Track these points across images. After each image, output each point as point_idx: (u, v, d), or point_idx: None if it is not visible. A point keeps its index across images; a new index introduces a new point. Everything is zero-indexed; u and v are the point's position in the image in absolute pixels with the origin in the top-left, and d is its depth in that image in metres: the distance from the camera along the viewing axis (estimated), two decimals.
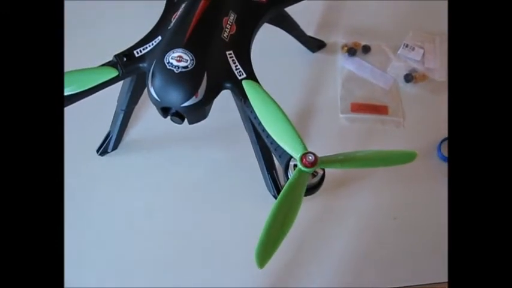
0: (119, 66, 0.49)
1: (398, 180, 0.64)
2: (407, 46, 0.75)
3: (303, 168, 0.40)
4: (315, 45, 0.73)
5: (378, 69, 0.73)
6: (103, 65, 0.49)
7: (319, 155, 0.41)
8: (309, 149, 0.41)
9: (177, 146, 0.66)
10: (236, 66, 0.49)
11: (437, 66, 0.74)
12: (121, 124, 0.61)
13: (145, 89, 0.49)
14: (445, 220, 0.60)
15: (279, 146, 0.43)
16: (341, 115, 0.69)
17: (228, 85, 0.48)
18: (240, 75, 0.49)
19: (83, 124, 0.63)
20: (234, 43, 0.50)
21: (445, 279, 0.59)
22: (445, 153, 0.66)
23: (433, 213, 0.63)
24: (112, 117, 0.62)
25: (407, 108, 0.70)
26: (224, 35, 0.50)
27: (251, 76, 0.49)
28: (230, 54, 0.49)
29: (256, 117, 0.45)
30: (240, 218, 0.62)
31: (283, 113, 0.43)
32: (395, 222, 0.62)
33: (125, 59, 0.49)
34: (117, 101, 0.59)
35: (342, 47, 0.75)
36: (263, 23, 0.55)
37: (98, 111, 0.61)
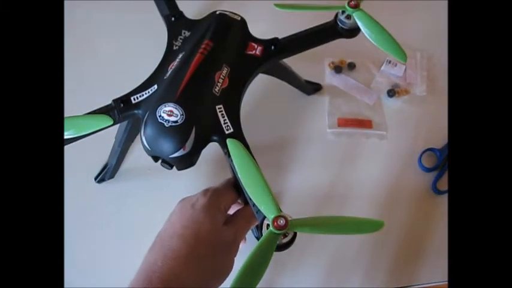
0: (116, 110, 0.52)
1: (382, 190, 0.68)
2: (390, 62, 0.78)
3: (274, 230, 0.43)
4: (311, 88, 0.75)
5: (362, 85, 0.77)
6: (101, 108, 0.52)
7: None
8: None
9: (168, 173, 0.68)
10: (225, 120, 0.52)
11: (418, 81, 0.77)
12: (118, 158, 0.64)
13: None
14: (426, 225, 0.64)
15: (255, 204, 0.46)
16: (328, 130, 0.73)
17: (215, 138, 0.51)
18: (227, 130, 0.51)
19: (85, 154, 0.65)
20: (224, 97, 0.53)
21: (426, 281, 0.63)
22: (426, 163, 0.70)
23: (414, 219, 0.66)
24: (110, 148, 0.65)
25: (390, 121, 0.74)
26: (215, 90, 0.52)
27: (237, 130, 0.51)
28: (220, 108, 0.52)
29: (237, 173, 0.48)
30: None
31: (261, 175, 0.46)
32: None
33: (121, 104, 0.52)
34: (115, 138, 0.62)
35: (329, 64, 0.78)
36: (256, 76, 0.57)
37: (99, 143, 0.64)
